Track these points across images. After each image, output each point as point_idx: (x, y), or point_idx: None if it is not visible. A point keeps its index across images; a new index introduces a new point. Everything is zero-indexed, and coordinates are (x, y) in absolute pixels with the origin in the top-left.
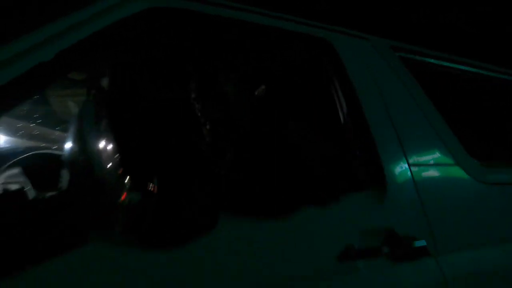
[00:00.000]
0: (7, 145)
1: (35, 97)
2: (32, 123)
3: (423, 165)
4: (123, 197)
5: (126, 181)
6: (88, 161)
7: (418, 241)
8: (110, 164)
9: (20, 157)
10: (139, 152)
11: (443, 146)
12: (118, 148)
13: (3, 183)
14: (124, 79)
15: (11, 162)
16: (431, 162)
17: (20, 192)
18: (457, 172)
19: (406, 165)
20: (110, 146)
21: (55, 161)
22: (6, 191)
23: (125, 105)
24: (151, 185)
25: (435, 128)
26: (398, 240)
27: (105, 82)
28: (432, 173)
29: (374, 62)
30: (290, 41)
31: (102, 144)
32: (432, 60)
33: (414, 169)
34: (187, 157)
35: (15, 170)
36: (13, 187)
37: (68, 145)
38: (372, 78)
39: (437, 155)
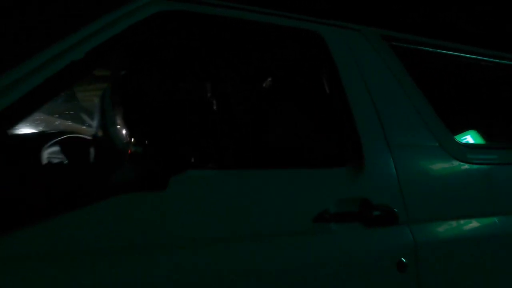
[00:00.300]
0: (48, 129)
1: (69, 88)
2: (66, 111)
3: (402, 144)
4: (129, 154)
5: (133, 144)
6: (108, 138)
7: (391, 209)
8: (123, 137)
9: (58, 138)
10: (142, 127)
11: (425, 127)
12: (128, 125)
13: (47, 158)
14: (138, 72)
15: (51, 142)
16: (411, 141)
17: (60, 164)
18: (437, 151)
19: (385, 144)
20: (123, 126)
21: (83, 141)
22: (50, 163)
23: (137, 94)
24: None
25: (419, 111)
26: (371, 207)
27: (122, 76)
28: (411, 151)
29: (361, 51)
30: (284, 35)
31: (117, 124)
32: (422, 47)
33: (393, 147)
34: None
35: (55, 148)
36: (55, 160)
37: (92, 128)
38: (357, 65)
39: (418, 135)
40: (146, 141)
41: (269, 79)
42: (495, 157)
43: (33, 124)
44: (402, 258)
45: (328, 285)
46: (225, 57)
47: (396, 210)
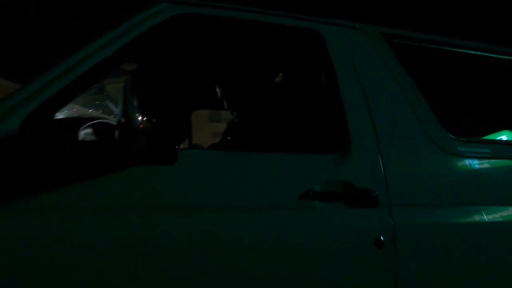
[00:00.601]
0: (83, 115)
1: (101, 81)
2: (96, 100)
3: (390, 135)
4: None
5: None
6: (128, 119)
7: (372, 192)
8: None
9: (91, 122)
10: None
11: (416, 121)
12: (144, 108)
13: (82, 138)
14: (157, 67)
15: (86, 125)
16: (400, 133)
17: (93, 142)
18: (425, 143)
19: (373, 135)
20: (139, 110)
21: (109, 125)
22: (84, 142)
23: (152, 84)
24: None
25: (411, 105)
26: (354, 190)
27: (144, 69)
28: (398, 142)
29: (359, 48)
30: (285, 34)
31: (135, 108)
32: (422, 44)
33: (381, 138)
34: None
35: (89, 130)
36: (88, 139)
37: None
38: (353, 61)
39: (407, 128)
40: (158, 122)
41: (269, 73)
42: (488, 151)
43: (72, 110)
44: (381, 237)
45: (309, 255)
46: (231, 54)
47: (376, 194)
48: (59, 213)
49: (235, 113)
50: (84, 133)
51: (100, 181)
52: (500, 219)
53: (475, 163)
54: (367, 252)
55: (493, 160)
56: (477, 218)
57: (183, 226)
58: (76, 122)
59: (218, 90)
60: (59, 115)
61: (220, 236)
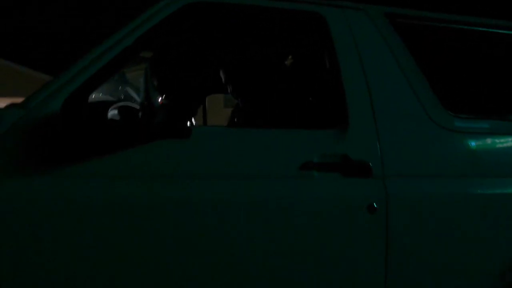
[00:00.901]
0: (110, 98)
1: (124, 67)
2: (120, 85)
3: (387, 112)
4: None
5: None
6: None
7: (366, 164)
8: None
9: (117, 104)
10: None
11: (415, 98)
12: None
13: (110, 119)
14: (172, 53)
15: (113, 107)
16: (397, 110)
17: (119, 122)
18: (422, 119)
19: (370, 111)
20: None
21: (131, 108)
22: (112, 121)
23: (170, 69)
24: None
25: (410, 83)
26: (350, 162)
27: (162, 54)
28: (394, 118)
29: (360, 28)
30: (289, 17)
31: (155, 89)
32: (426, 22)
33: (378, 114)
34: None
35: (115, 111)
36: (115, 118)
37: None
38: (354, 41)
39: (405, 105)
40: (174, 103)
41: (274, 56)
42: (487, 127)
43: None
44: (374, 203)
45: (307, 217)
46: (238, 39)
47: (370, 165)
48: (95, 178)
49: (242, 94)
50: (111, 114)
51: (129, 152)
52: (493, 191)
53: (472, 139)
54: (360, 216)
55: (490, 136)
56: (469, 189)
57: (195, 190)
58: (104, 105)
59: (225, 72)
60: (91, 99)
61: (228, 200)
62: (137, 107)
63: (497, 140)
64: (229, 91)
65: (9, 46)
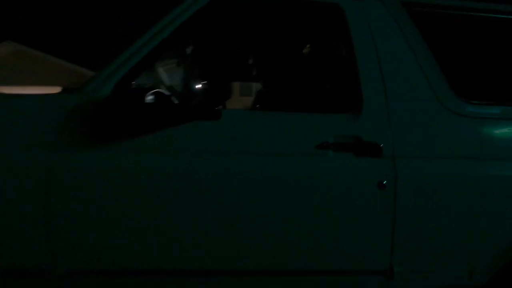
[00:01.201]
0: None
1: (161, 58)
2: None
3: (400, 97)
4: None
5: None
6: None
7: (377, 144)
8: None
9: (153, 90)
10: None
11: (427, 84)
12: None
13: (147, 101)
14: (204, 44)
15: (149, 93)
16: (409, 95)
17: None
18: (433, 104)
19: (383, 96)
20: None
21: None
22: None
23: (203, 57)
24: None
25: (423, 69)
26: (363, 143)
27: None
28: (406, 103)
29: (377, 18)
30: (309, 8)
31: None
32: (442, 10)
33: (390, 99)
34: None
35: (152, 96)
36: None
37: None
38: (370, 30)
39: (417, 90)
40: (206, 88)
41: (294, 44)
42: (498, 112)
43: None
44: (383, 181)
45: (321, 191)
46: (263, 30)
47: (381, 146)
48: (144, 152)
49: (264, 81)
50: (149, 98)
51: (171, 131)
52: (504, 173)
53: (483, 123)
54: (370, 192)
55: (502, 121)
56: (479, 171)
57: (225, 165)
58: (144, 91)
59: (251, 61)
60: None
61: (253, 173)
62: (168, 93)
63: (508, 125)
64: (254, 78)
65: (40, 37)
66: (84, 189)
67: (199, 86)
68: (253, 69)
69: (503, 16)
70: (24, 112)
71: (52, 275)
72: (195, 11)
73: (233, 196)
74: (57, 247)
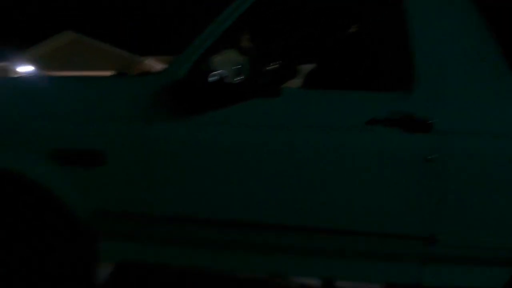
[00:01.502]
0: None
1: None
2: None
3: (453, 75)
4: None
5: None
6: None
7: (427, 121)
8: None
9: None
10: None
11: (482, 62)
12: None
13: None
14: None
15: (212, 73)
16: (463, 73)
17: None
18: (488, 83)
19: (435, 75)
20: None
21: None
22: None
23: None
24: None
25: (479, 47)
26: (412, 119)
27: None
28: (459, 80)
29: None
30: None
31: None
32: None
33: (442, 76)
34: None
35: (215, 77)
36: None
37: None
38: (425, 6)
39: (470, 68)
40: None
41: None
42: None
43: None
44: (430, 155)
45: (371, 164)
46: (318, 11)
47: (430, 122)
48: (217, 125)
49: (321, 60)
50: (211, 79)
51: (238, 106)
52: None
53: None
54: (418, 165)
55: None
56: None
57: (283, 138)
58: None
59: (309, 43)
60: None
61: (309, 144)
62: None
63: None
64: (309, 58)
65: (90, 24)
66: (168, 156)
67: (267, 67)
68: (308, 50)
69: None
70: (125, 92)
71: None
72: (253, 2)
73: (298, 164)
74: None
